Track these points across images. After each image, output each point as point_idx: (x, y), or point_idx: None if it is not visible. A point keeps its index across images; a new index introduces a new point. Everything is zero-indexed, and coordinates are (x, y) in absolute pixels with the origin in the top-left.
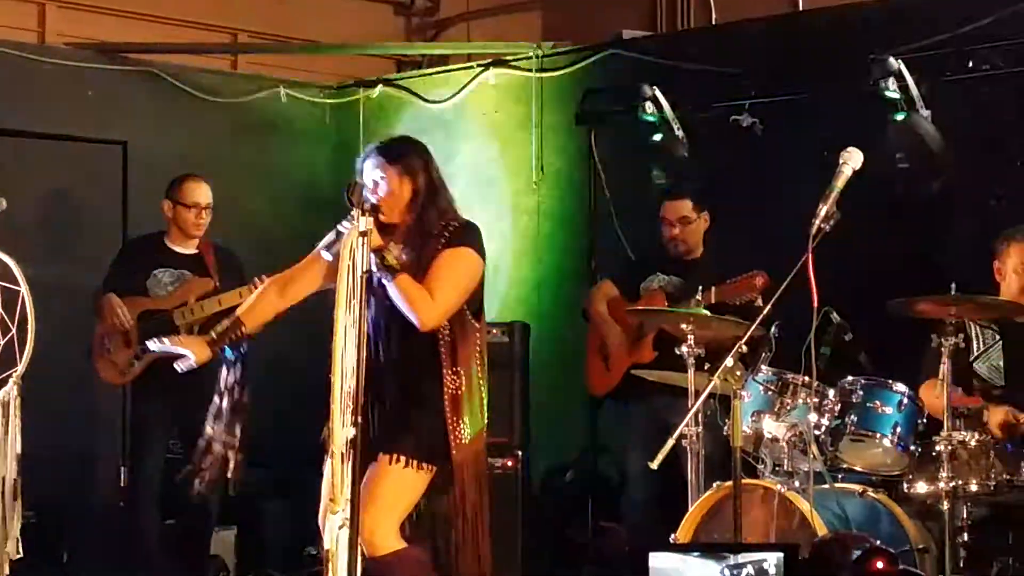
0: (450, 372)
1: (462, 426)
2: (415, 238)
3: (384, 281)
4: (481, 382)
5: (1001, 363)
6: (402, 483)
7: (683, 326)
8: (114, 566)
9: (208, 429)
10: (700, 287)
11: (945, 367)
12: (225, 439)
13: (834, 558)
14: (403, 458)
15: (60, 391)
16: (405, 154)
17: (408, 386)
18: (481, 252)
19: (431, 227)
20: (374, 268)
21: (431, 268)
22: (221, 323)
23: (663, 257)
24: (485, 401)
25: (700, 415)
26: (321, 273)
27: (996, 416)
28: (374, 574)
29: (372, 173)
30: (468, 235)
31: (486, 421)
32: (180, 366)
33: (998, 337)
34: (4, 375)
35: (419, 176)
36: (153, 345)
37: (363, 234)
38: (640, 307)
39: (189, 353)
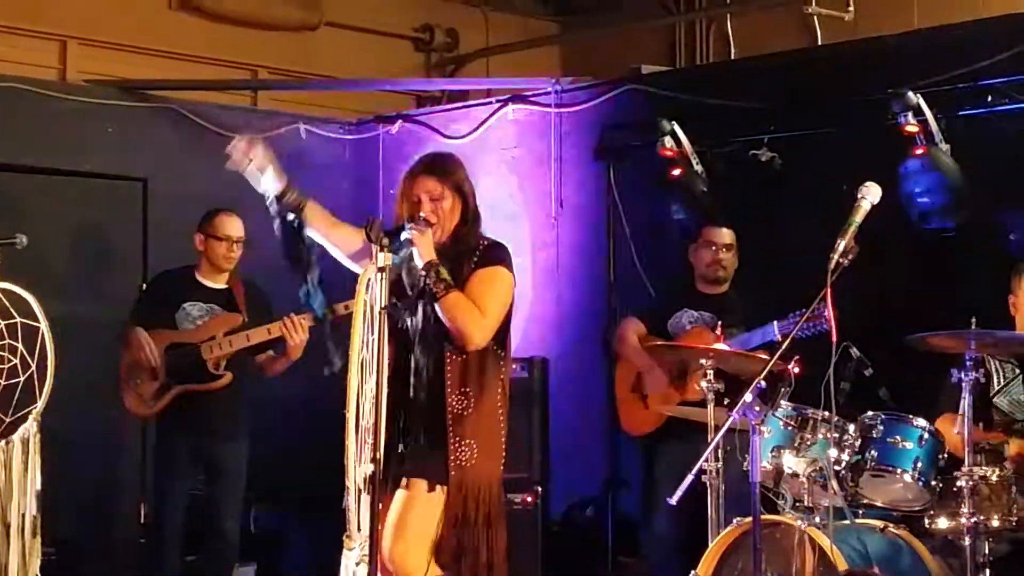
0: (456, 392)
1: (463, 448)
2: (450, 257)
3: (437, 297)
4: (501, 411)
5: (1021, 397)
6: (428, 509)
7: (702, 360)
8: None
9: None
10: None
11: (965, 402)
12: None
13: None
14: (424, 483)
15: (80, 427)
16: (456, 171)
17: (422, 410)
18: (512, 271)
19: (467, 246)
20: (425, 283)
21: (469, 287)
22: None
23: (689, 293)
24: (504, 430)
25: (719, 450)
26: (356, 245)
27: (1013, 448)
28: None
29: (424, 189)
30: (500, 253)
31: (503, 451)
32: None
33: (1018, 371)
34: (24, 412)
35: (468, 195)
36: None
37: (381, 270)
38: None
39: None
